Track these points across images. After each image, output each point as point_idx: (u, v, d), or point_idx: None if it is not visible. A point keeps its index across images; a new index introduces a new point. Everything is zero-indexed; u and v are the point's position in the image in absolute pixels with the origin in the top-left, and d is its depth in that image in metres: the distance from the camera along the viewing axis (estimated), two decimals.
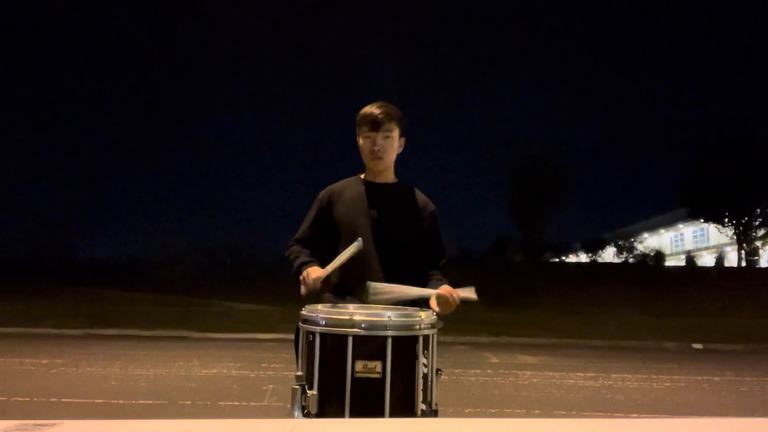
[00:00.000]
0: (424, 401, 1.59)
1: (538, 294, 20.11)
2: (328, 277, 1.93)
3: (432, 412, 1.63)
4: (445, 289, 1.88)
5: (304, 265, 1.98)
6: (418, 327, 1.60)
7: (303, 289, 1.91)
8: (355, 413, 1.50)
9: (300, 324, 1.67)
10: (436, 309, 1.84)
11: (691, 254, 40.15)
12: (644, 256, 34.10)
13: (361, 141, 2.11)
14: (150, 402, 5.01)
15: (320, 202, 2.16)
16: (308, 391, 1.54)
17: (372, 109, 2.08)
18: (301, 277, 1.93)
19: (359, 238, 1.89)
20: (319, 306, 1.71)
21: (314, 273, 1.90)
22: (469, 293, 1.90)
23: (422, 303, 1.90)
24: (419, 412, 1.57)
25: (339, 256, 1.92)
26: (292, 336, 1.84)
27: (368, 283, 1.85)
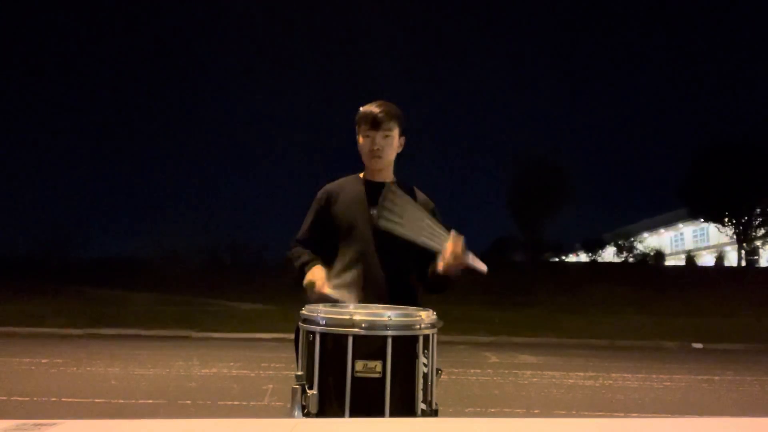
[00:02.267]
0: (424, 401, 1.58)
1: (538, 293, 20.11)
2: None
3: (432, 412, 1.62)
4: (456, 244, 1.84)
5: (307, 264, 1.98)
6: (418, 327, 1.59)
7: (310, 294, 1.91)
8: (355, 413, 1.50)
9: (300, 324, 1.67)
10: (440, 266, 1.85)
11: (691, 254, 40.13)
12: (644, 255, 34.11)
13: (360, 140, 2.11)
14: (150, 402, 5.01)
15: (319, 201, 2.15)
16: (308, 391, 1.54)
17: (372, 108, 2.07)
18: (305, 284, 1.92)
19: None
20: (319, 306, 1.71)
21: (318, 285, 1.89)
22: (479, 264, 1.86)
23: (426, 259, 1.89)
24: (419, 412, 1.57)
25: (342, 280, 1.91)
26: (292, 336, 1.84)
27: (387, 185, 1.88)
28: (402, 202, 1.88)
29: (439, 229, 1.88)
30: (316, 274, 1.92)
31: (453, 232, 1.86)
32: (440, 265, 1.88)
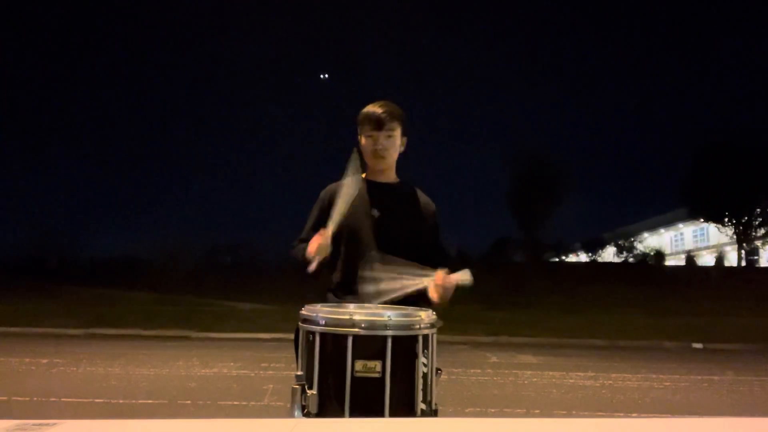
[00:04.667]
0: (424, 401, 1.58)
1: (538, 294, 20.10)
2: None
3: (432, 412, 1.62)
4: (439, 276, 1.87)
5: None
6: (417, 327, 1.59)
7: (313, 265, 1.90)
8: (355, 413, 1.50)
9: (300, 324, 1.67)
10: (434, 297, 1.86)
11: (691, 254, 40.16)
12: (644, 255, 34.16)
13: (363, 140, 2.11)
14: (150, 402, 5.01)
15: (322, 201, 2.15)
16: (308, 391, 1.54)
17: (374, 108, 2.08)
18: (308, 252, 1.93)
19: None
20: (319, 306, 1.71)
21: (316, 240, 1.91)
22: (463, 276, 1.89)
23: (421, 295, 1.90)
24: (419, 412, 1.57)
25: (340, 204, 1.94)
26: (292, 336, 1.84)
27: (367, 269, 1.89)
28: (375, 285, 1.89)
29: (421, 272, 1.90)
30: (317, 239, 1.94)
31: (439, 273, 1.88)
32: (433, 298, 1.88)
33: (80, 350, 8.34)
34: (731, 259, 36.56)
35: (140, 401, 5.02)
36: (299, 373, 1.59)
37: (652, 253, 34.38)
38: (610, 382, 6.63)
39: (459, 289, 1.90)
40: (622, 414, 5.03)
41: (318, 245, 1.90)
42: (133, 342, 9.72)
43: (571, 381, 6.62)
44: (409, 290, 1.88)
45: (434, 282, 1.87)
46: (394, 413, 1.51)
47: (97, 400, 5.01)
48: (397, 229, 2.07)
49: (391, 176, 2.17)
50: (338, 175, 2.17)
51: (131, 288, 19.65)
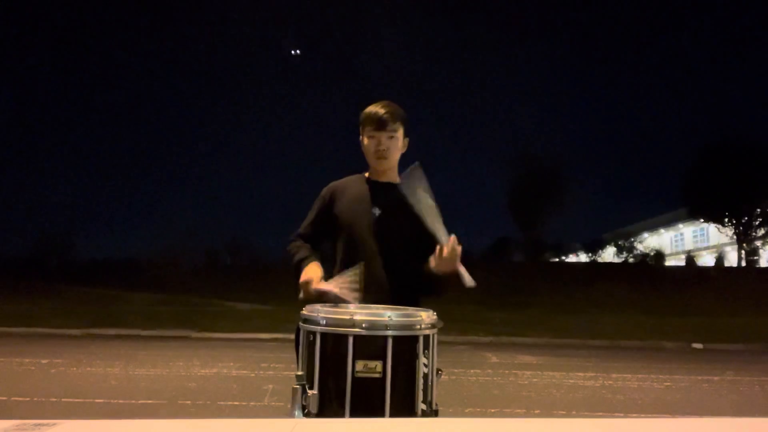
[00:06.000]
0: (425, 401, 1.58)
1: (538, 294, 20.12)
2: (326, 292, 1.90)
3: (432, 412, 1.62)
4: (455, 244, 1.82)
5: (304, 261, 1.97)
6: (418, 327, 1.59)
7: (302, 294, 1.90)
8: (356, 413, 1.50)
9: (300, 324, 1.67)
10: (432, 263, 1.86)
11: (691, 254, 40.15)
12: (644, 256, 34.14)
13: (365, 140, 2.11)
14: (150, 402, 5.01)
15: (323, 198, 2.16)
16: (308, 391, 1.53)
17: (377, 109, 2.07)
18: (300, 282, 1.92)
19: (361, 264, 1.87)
20: (320, 306, 1.71)
21: (314, 282, 1.87)
22: (467, 276, 1.82)
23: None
24: (419, 412, 1.56)
25: (341, 277, 1.89)
26: (292, 336, 1.83)
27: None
28: (424, 186, 1.89)
29: (442, 227, 1.88)
30: (312, 272, 1.90)
31: (453, 236, 1.85)
32: (432, 262, 1.87)
33: (80, 350, 8.34)
34: (731, 259, 36.55)
35: (140, 401, 5.02)
36: (300, 373, 1.59)
37: (652, 254, 34.37)
38: (610, 382, 6.63)
39: (457, 282, 1.85)
40: (622, 414, 5.03)
41: (307, 285, 1.87)
42: (133, 342, 9.72)
43: (571, 381, 6.62)
44: (429, 224, 1.86)
45: (446, 247, 1.81)
46: (394, 413, 1.51)
47: (97, 400, 5.01)
48: (397, 228, 2.07)
49: (392, 176, 2.17)
50: (338, 172, 2.18)
51: (131, 288, 19.66)
